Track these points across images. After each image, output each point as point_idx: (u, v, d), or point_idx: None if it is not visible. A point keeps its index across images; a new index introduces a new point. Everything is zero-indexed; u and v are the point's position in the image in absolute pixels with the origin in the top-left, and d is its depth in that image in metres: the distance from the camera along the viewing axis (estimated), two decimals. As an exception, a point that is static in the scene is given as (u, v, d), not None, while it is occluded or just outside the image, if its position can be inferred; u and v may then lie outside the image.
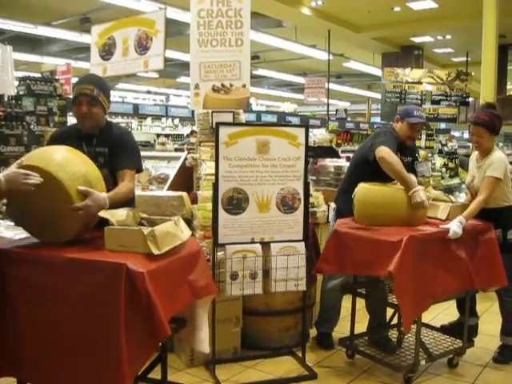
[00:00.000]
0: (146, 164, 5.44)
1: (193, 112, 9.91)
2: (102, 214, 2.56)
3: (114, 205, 2.73)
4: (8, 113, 7.02)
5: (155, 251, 2.45)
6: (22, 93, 7.81)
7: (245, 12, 4.47)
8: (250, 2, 4.49)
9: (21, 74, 9.50)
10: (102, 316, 2.30)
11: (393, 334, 4.13)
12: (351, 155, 4.54)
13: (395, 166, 3.54)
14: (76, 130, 3.20)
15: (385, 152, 3.58)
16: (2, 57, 7.41)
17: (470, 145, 11.93)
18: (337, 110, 19.15)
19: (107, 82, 3.27)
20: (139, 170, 3.22)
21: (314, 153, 6.41)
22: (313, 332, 4.34)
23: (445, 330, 4.18)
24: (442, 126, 18.90)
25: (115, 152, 3.10)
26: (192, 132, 12.39)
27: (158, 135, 16.28)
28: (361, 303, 4.12)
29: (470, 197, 3.95)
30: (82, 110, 3.04)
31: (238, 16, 4.47)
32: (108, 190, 2.81)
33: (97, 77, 3.28)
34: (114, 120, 13.45)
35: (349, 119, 23.21)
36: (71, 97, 3.16)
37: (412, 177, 3.60)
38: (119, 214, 2.61)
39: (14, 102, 7.35)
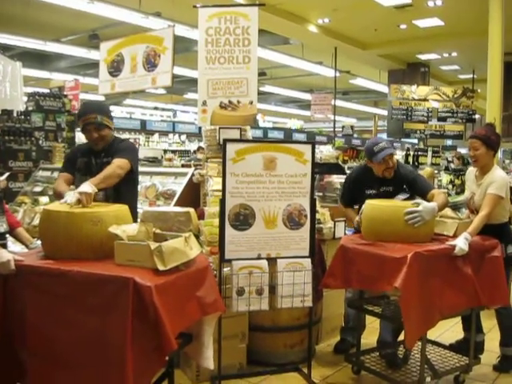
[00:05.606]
0: (153, 180, 5.48)
1: (200, 128, 9.94)
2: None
3: (100, 185, 3.09)
4: (17, 128, 7.10)
5: (160, 267, 2.44)
6: (30, 108, 7.88)
7: (252, 30, 4.53)
8: (257, 20, 4.54)
9: (30, 89, 9.60)
10: (110, 329, 2.31)
11: (400, 350, 4.10)
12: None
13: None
14: (87, 147, 3.65)
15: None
16: (11, 73, 7.51)
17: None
18: (343, 127, 19.15)
19: (106, 104, 3.72)
20: (129, 161, 3.46)
21: (321, 169, 6.43)
22: (319, 348, 4.32)
23: (452, 347, 4.15)
24: (449, 142, 18.91)
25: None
26: (199, 148, 12.43)
27: (165, 151, 16.28)
28: (368, 319, 4.10)
29: (468, 213, 3.98)
30: (93, 136, 3.52)
31: (246, 34, 4.52)
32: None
33: (95, 103, 3.74)
34: (122, 136, 13.53)
35: (355, 136, 23.22)
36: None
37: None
38: (131, 229, 2.61)
39: (22, 117, 7.42)
